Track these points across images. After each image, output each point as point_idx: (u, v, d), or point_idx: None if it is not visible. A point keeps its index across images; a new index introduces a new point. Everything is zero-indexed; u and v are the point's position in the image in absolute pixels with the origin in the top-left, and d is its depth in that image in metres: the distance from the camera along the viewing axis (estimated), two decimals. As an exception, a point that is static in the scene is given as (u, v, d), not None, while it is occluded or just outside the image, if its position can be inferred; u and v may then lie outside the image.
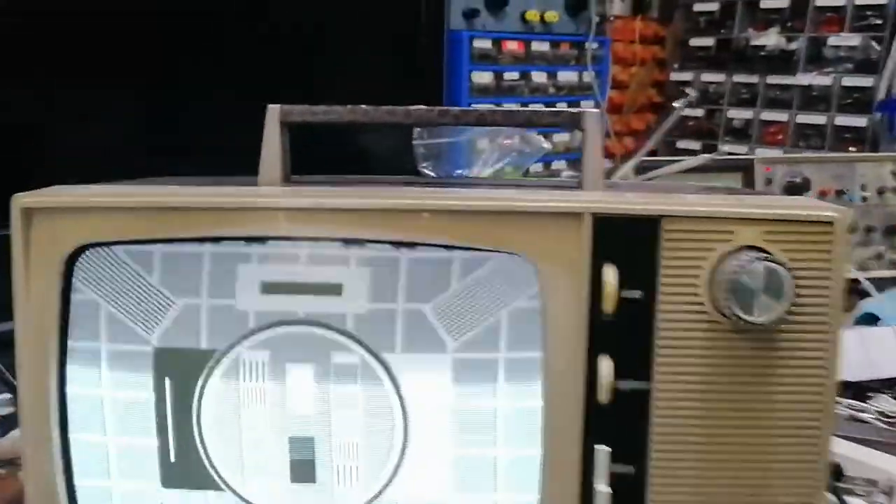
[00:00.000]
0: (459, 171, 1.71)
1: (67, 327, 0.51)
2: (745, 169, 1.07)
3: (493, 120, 0.59)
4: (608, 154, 2.12)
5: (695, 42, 2.31)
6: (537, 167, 1.81)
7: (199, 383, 0.50)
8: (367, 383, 0.50)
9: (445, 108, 0.58)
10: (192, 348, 0.50)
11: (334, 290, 0.50)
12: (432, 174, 1.65)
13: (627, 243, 0.49)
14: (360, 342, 0.50)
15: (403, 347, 0.49)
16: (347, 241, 0.50)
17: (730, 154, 2.10)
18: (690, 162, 0.81)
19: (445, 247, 0.50)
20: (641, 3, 2.31)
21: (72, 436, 0.51)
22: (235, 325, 0.50)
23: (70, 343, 0.51)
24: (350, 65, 1.26)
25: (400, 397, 0.50)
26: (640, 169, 0.85)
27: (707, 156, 0.82)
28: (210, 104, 1.01)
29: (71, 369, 0.51)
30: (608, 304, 0.49)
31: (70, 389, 0.51)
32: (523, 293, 0.50)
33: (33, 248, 0.50)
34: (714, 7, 2.26)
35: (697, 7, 2.29)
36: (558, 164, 1.92)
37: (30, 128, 0.87)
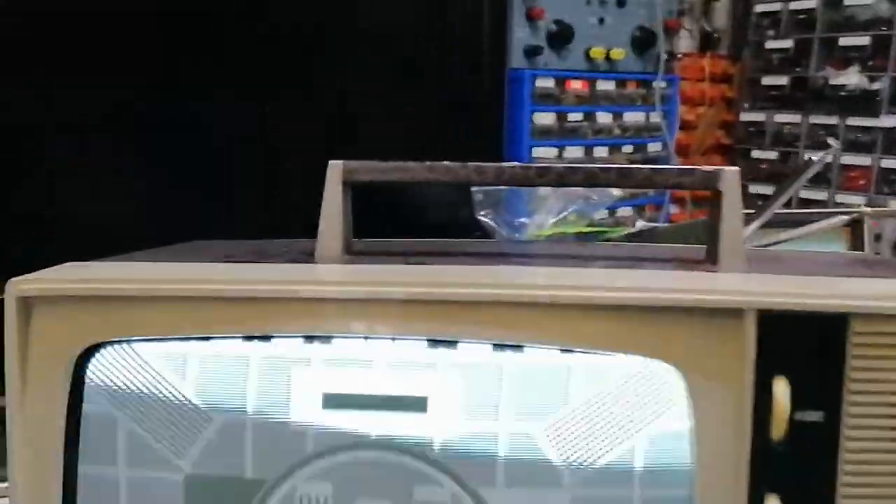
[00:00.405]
0: (521, 220, 1.60)
1: (76, 447, 0.40)
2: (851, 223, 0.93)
3: (606, 180, 0.47)
4: (677, 199, 1.98)
5: (767, 81, 2.17)
6: (601, 213, 1.69)
7: (242, 525, 0.39)
8: (460, 530, 0.38)
9: (545, 166, 0.47)
10: (233, 477, 0.39)
11: (417, 405, 0.38)
12: (492, 223, 1.54)
13: (803, 349, 0.37)
14: (450, 474, 0.38)
15: (507, 481, 0.38)
16: (435, 342, 0.39)
17: (822, 204, 1.95)
18: (829, 223, 0.68)
19: (563, 350, 0.38)
20: (710, 39, 2.19)
21: (79, 589, 0.40)
22: (289, 449, 0.39)
23: (81, 468, 0.40)
24: (406, 104, 1.17)
25: (503, 551, 0.38)
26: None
27: (844, 217, 0.69)
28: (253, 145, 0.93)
29: (81, 502, 0.40)
30: (778, 429, 0.37)
31: (79, 528, 0.40)
32: (665, 412, 0.38)
33: (34, 345, 0.40)
34: (788, 44, 2.13)
35: (770, 44, 2.16)
36: (624, 211, 1.80)
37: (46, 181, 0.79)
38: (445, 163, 0.48)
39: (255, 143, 0.94)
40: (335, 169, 0.46)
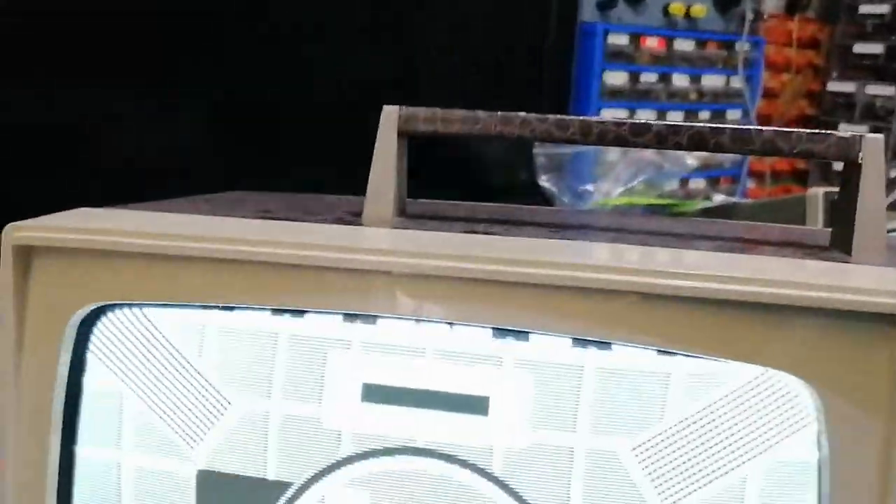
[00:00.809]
0: (585, 188, 1.51)
1: (75, 425, 0.34)
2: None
3: (718, 143, 0.39)
4: (754, 174, 1.86)
5: (859, 48, 2.01)
6: (672, 185, 1.58)
7: (261, 532, 0.33)
8: (520, 562, 0.31)
9: (644, 123, 0.39)
10: (253, 477, 0.33)
11: (476, 406, 0.31)
12: (553, 189, 1.45)
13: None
14: (512, 493, 0.31)
15: (582, 509, 0.31)
16: (501, 331, 0.32)
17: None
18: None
19: (661, 352, 0.31)
20: (798, 0, 2.03)
21: (72, 589, 0.34)
22: (320, 447, 0.32)
23: (77, 449, 0.34)
24: (466, 56, 1.09)
25: (573, 593, 0.31)
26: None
27: None
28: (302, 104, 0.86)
29: (78, 489, 0.34)
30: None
31: (74, 519, 0.34)
32: (788, 438, 0.30)
33: (31, 303, 0.34)
34: (884, 10, 1.96)
35: (864, 9, 2.00)
36: (697, 183, 1.68)
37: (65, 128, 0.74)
38: (521, 114, 0.40)
39: (310, 90, 0.88)
40: (390, 115, 0.39)
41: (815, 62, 2.07)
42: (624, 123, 0.39)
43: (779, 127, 0.40)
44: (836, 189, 0.88)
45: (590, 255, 0.33)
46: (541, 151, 1.43)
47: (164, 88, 0.78)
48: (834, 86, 2.06)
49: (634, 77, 1.61)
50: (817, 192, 0.86)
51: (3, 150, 0.71)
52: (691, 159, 1.44)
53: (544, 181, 1.44)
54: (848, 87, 2.04)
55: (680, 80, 1.66)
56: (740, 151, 0.39)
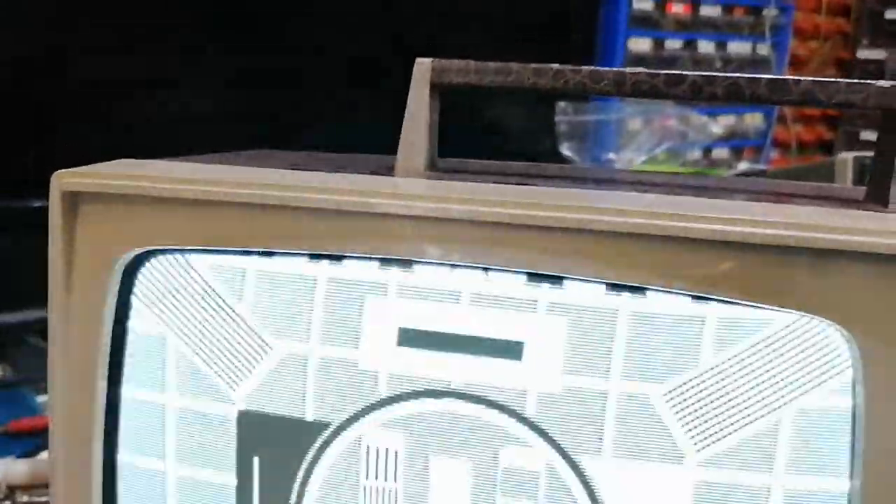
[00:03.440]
0: (608, 156, 1.50)
1: (120, 365, 0.35)
2: None
3: (754, 93, 0.39)
4: (778, 143, 1.84)
5: (891, 14, 1.97)
6: (695, 155, 1.56)
7: (301, 471, 0.33)
8: (555, 501, 0.32)
9: (678, 73, 0.39)
10: (292, 417, 0.33)
11: (511, 350, 0.32)
12: (575, 157, 1.45)
13: None
14: (546, 436, 0.32)
15: (615, 451, 0.31)
16: (536, 276, 0.32)
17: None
18: None
19: (695, 297, 0.31)
20: (829, -34, 1.99)
21: (119, 524, 0.36)
22: (357, 389, 0.33)
23: (124, 390, 0.35)
24: (492, 25, 1.08)
25: (605, 532, 0.31)
26: None
27: None
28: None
29: (124, 428, 0.35)
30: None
31: (121, 458, 0.36)
32: (821, 383, 0.30)
33: (79, 247, 0.35)
34: (918, -25, 1.92)
35: (898, -27, 1.96)
36: (720, 153, 1.66)
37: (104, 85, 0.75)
38: (554, 65, 0.40)
39: (335, 55, 0.88)
40: (423, 68, 0.39)
41: (845, 29, 2.03)
42: (658, 74, 0.39)
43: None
44: (866, 154, 0.86)
45: (624, 202, 0.33)
46: (563, 119, 1.42)
47: (187, 55, 0.79)
48: (864, 53, 2.02)
49: (659, 44, 1.59)
50: (847, 157, 0.85)
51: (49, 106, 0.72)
52: (716, 127, 1.42)
53: (566, 149, 1.43)
54: (878, 54, 2.01)
55: (705, 47, 1.63)
56: (777, 102, 0.39)
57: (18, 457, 0.63)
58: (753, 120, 1.72)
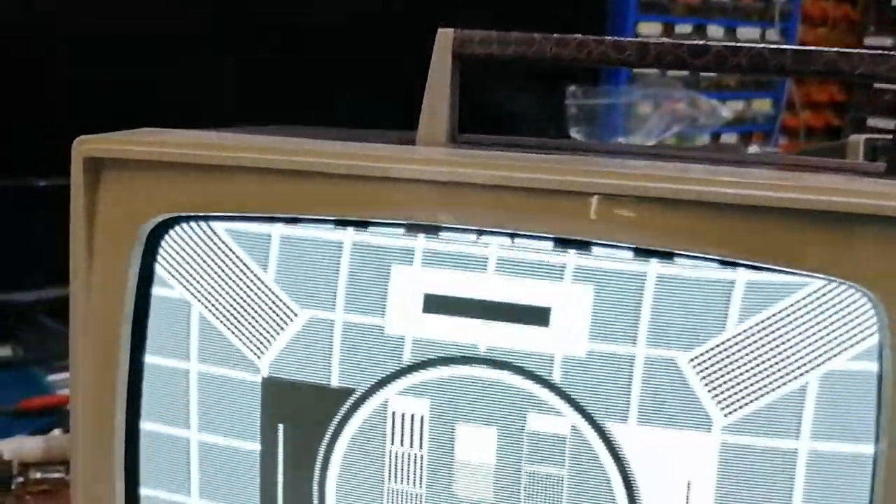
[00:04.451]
0: (617, 141, 1.50)
1: (143, 333, 0.35)
2: None
3: (778, 63, 0.39)
4: (787, 129, 1.83)
5: (898, 1, 1.97)
6: (704, 139, 1.56)
7: (326, 438, 0.33)
8: (581, 467, 0.32)
9: (702, 44, 0.39)
10: (317, 384, 0.33)
11: (538, 316, 0.32)
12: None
13: None
14: (572, 402, 0.32)
15: (641, 417, 0.31)
16: (563, 242, 0.32)
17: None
18: None
19: (723, 262, 0.31)
20: (837, -48, 1.98)
21: (143, 492, 0.36)
22: (383, 356, 0.33)
23: (147, 358, 0.35)
24: (501, 10, 1.08)
25: (631, 497, 0.31)
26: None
27: None
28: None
29: (147, 396, 0.35)
30: None
31: (144, 426, 0.36)
32: (848, 348, 0.30)
33: (101, 215, 0.35)
34: (925, -40, 1.91)
35: (904, -40, 1.95)
36: (728, 138, 1.66)
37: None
38: (577, 35, 0.40)
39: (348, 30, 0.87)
40: (445, 38, 0.39)
41: (852, 16, 2.02)
42: (682, 45, 0.39)
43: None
44: (877, 136, 0.86)
45: (650, 169, 0.33)
46: (573, 103, 1.42)
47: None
48: (870, 40, 2.01)
49: (669, 28, 1.58)
50: (858, 139, 0.84)
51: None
52: (726, 111, 1.42)
53: (576, 133, 1.43)
54: (885, 41, 2.00)
55: (715, 32, 1.63)
56: (801, 73, 0.39)
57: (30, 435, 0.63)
58: (762, 105, 1.72)
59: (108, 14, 0.75)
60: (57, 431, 0.62)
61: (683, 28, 1.60)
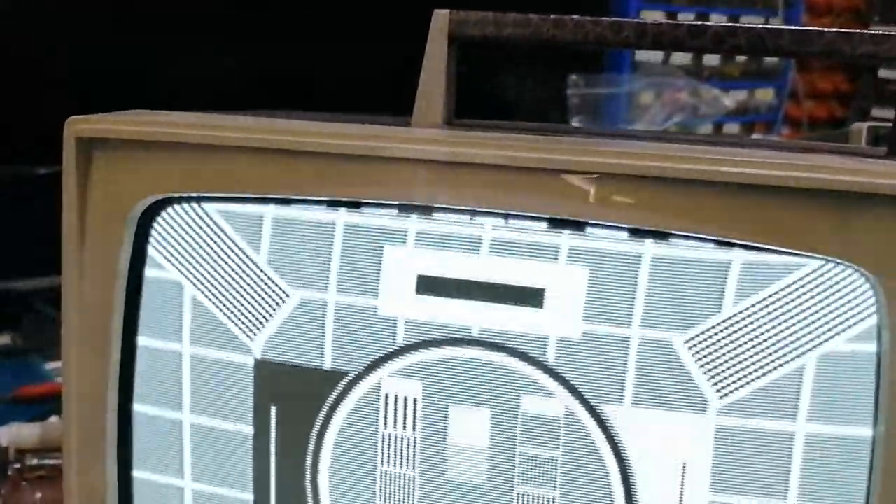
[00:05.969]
0: (619, 129, 1.49)
1: (136, 316, 0.35)
2: None
3: (777, 45, 0.38)
4: (790, 119, 1.83)
5: (902, -11, 1.96)
6: (706, 129, 1.55)
7: (319, 420, 0.33)
8: (575, 450, 0.31)
9: (701, 24, 0.38)
10: (310, 366, 0.33)
11: (531, 297, 0.32)
12: (586, 130, 1.44)
13: None
14: (566, 384, 0.31)
15: (636, 399, 0.31)
16: (557, 222, 0.32)
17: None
18: None
19: (719, 243, 0.30)
20: (842, -59, 1.97)
21: (136, 475, 0.36)
22: (376, 337, 0.33)
23: (140, 340, 0.35)
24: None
25: (625, 480, 0.31)
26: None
27: None
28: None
29: (140, 378, 0.35)
30: None
31: (137, 407, 0.35)
32: (845, 329, 0.30)
33: (92, 196, 0.34)
34: (931, -51, 1.90)
35: (909, -53, 1.93)
36: (730, 128, 1.65)
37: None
38: (574, 17, 0.39)
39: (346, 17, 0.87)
40: (441, 19, 0.39)
41: (857, 5, 2.01)
42: (680, 25, 0.38)
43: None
44: (880, 124, 0.85)
45: (645, 148, 0.33)
46: (574, 92, 1.41)
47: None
48: (876, 29, 2.00)
49: (671, 17, 1.58)
50: (861, 126, 0.84)
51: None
52: (728, 100, 1.41)
53: (577, 122, 1.42)
54: (890, 30, 1.98)
55: (718, 21, 1.62)
56: (800, 54, 0.38)
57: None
58: (765, 95, 1.71)
59: (105, 1, 0.75)
60: (54, 418, 0.62)
61: (686, 16, 1.59)
